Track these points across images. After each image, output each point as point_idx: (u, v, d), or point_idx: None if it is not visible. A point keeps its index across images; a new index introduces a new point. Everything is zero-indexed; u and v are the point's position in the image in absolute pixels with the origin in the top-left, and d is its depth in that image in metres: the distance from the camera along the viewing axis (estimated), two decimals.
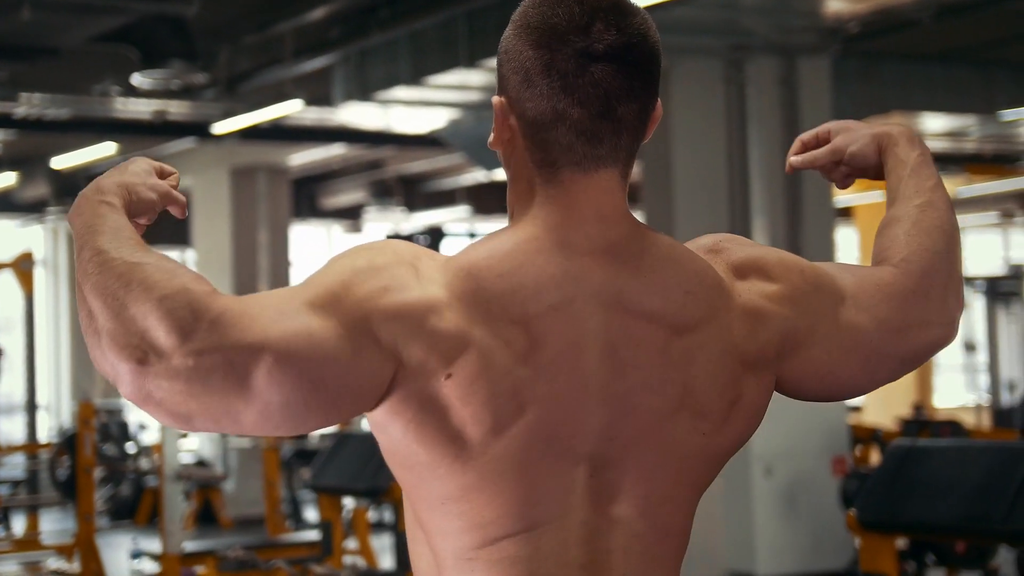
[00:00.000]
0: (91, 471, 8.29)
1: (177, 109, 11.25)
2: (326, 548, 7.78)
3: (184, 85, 9.71)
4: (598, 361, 1.48)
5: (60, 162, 13.22)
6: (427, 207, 16.75)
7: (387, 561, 9.10)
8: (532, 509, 1.47)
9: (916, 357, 1.66)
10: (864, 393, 1.68)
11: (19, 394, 11.96)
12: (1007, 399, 14.43)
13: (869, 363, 1.62)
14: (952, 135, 13.07)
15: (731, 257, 1.59)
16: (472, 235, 15.06)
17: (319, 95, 10.34)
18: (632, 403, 1.49)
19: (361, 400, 1.44)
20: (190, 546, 8.33)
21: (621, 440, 1.49)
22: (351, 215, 17.20)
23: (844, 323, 1.60)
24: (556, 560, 1.48)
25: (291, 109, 10.42)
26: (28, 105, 11.01)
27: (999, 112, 11.27)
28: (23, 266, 9.83)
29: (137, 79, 9.15)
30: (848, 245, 16.47)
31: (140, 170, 1.63)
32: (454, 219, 16.98)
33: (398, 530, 7.47)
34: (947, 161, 13.72)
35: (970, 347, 16.68)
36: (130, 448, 12.89)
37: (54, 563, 9.08)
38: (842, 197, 14.00)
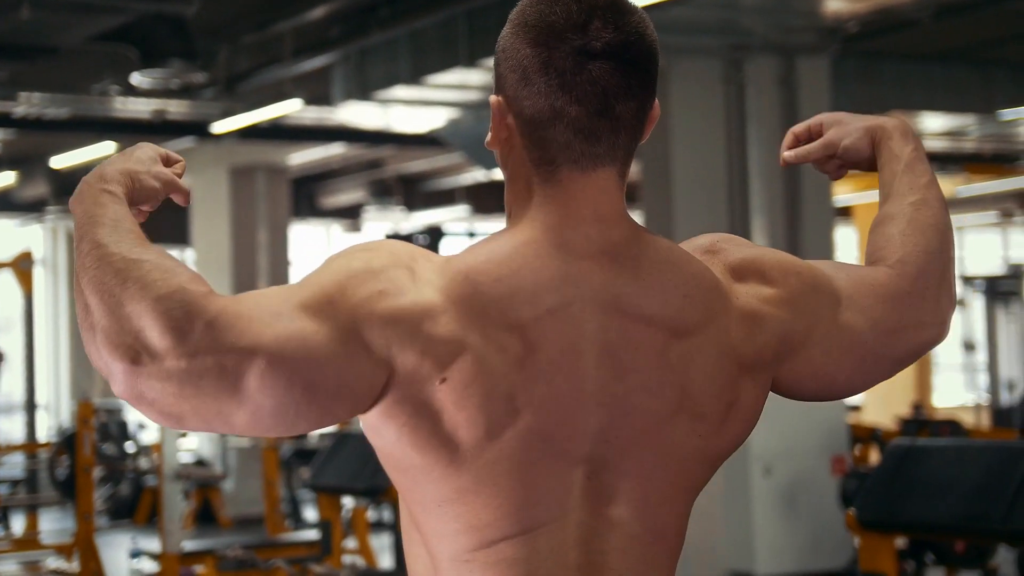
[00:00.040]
0: (90, 470, 8.28)
1: (176, 108, 11.25)
2: (325, 547, 7.78)
3: (183, 84, 9.72)
4: (596, 364, 1.48)
5: (59, 161, 13.21)
6: (426, 206, 16.75)
7: (386, 560, 9.10)
8: (529, 511, 1.47)
9: (909, 357, 1.67)
10: (859, 392, 1.68)
11: (18, 393, 11.96)
12: (1006, 398, 14.43)
13: (864, 364, 1.63)
14: (951, 135, 13.08)
15: (728, 258, 1.59)
16: (471, 234, 15.06)
17: (318, 94, 10.34)
18: (630, 405, 1.49)
19: (353, 404, 1.44)
20: (189, 545, 8.33)
21: (619, 442, 1.49)
22: (350, 214, 17.20)
23: (840, 325, 1.60)
24: (554, 561, 1.47)
25: (290, 108, 10.42)
26: (27, 104, 11.01)
27: (998, 112, 11.27)
28: (22, 265, 9.83)
29: (136, 78, 9.15)
30: (847, 244, 16.47)
31: (146, 157, 1.62)
32: (453, 218, 16.98)
33: (397, 529, 7.48)
34: (946, 161, 13.72)
35: (969, 346, 16.69)
36: (129, 447, 12.89)
37: (53, 562, 9.08)
38: (841, 197, 14.01)
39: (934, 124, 12.36)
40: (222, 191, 14.14)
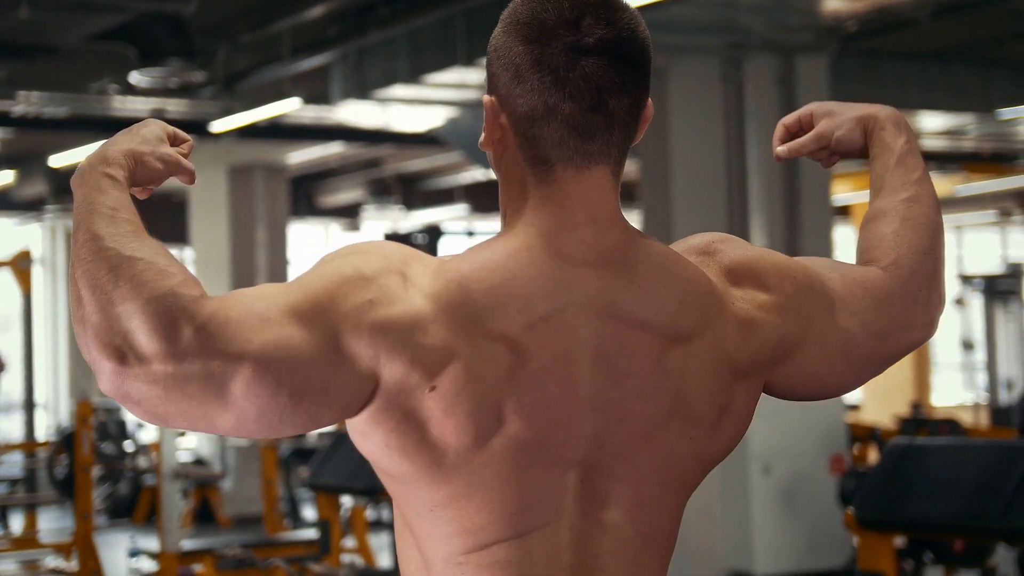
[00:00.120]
0: (89, 469, 8.28)
1: (175, 107, 11.25)
2: (324, 547, 7.78)
3: (182, 83, 9.71)
4: (590, 369, 1.48)
5: (58, 160, 13.21)
6: (425, 205, 16.75)
7: (385, 560, 9.10)
8: (523, 515, 1.46)
9: (898, 356, 1.68)
10: (850, 391, 1.70)
11: (17, 392, 11.95)
12: (1005, 398, 14.43)
13: (855, 364, 1.63)
14: (950, 134, 13.08)
15: (724, 260, 1.59)
16: (470, 233, 15.07)
17: (317, 93, 10.34)
18: (625, 410, 1.49)
19: (340, 411, 1.44)
20: (188, 544, 8.33)
21: (613, 447, 1.49)
22: (349, 214, 17.20)
23: (833, 328, 1.61)
24: (547, 564, 1.47)
25: (289, 107, 10.41)
26: (26, 103, 11.00)
27: (997, 111, 11.27)
28: (21, 264, 9.82)
29: (135, 77, 9.15)
30: (846, 243, 16.47)
31: (152, 136, 1.61)
32: (452, 217, 16.99)
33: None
34: (945, 160, 13.73)
35: (968, 346, 16.69)
36: (128, 446, 12.88)
37: (52, 561, 9.08)
38: (840, 196, 14.01)
39: (933, 123, 12.36)
40: (221, 190, 14.14)
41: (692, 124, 9.18)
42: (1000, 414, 13.58)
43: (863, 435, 10.23)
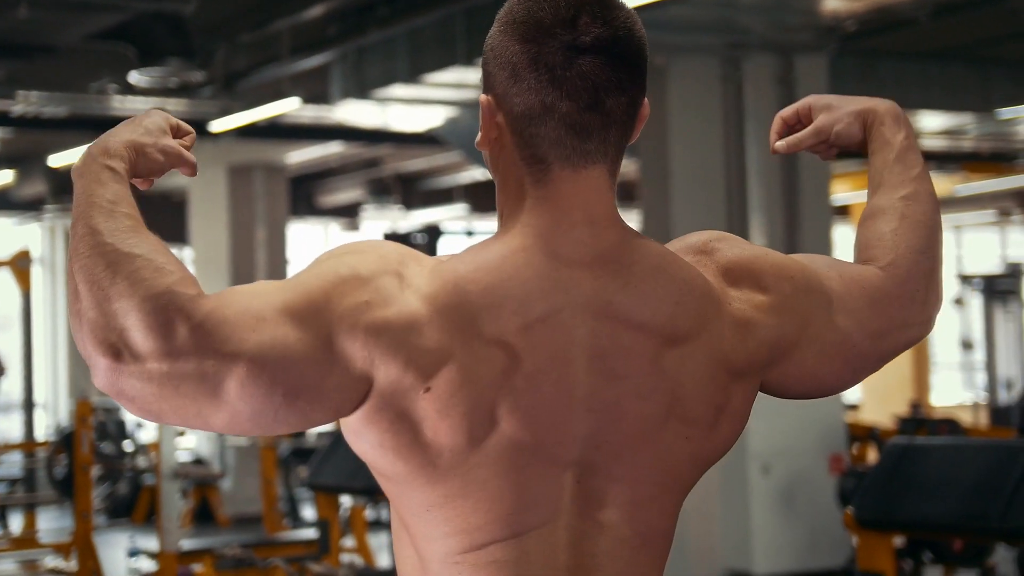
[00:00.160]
0: (88, 469, 8.28)
1: (174, 107, 11.23)
2: (323, 546, 7.77)
3: (181, 83, 9.71)
4: (586, 370, 1.48)
5: (57, 160, 13.21)
6: (425, 205, 16.75)
7: (384, 559, 9.10)
8: (519, 515, 1.47)
9: (895, 354, 1.68)
10: (846, 389, 1.69)
11: (16, 392, 11.95)
12: (1004, 397, 14.44)
13: (852, 363, 1.64)
14: (949, 133, 13.08)
15: (722, 259, 1.58)
16: (470, 233, 15.06)
17: (316, 93, 10.34)
18: (621, 410, 1.49)
19: (334, 411, 1.44)
20: (187, 544, 8.33)
21: (609, 447, 1.49)
22: (349, 213, 17.20)
23: (831, 328, 1.61)
24: (543, 564, 1.47)
25: (288, 107, 10.41)
26: (25, 103, 11.00)
27: (996, 110, 11.28)
28: (20, 264, 9.82)
29: (134, 77, 9.15)
30: (846, 243, 16.47)
31: (155, 128, 1.60)
32: (452, 217, 16.99)
33: None
34: (944, 159, 13.73)
35: (967, 345, 16.69)
36: (127, 446, 12.88)
37: (51, 561, 9.08)
38: (839, 195, 14.01)
39: (932, 123, 12.36)
40: (220, 190, 14.14)
41: (691, 124, 9.18)
42: (999, 414, 13.58)
43: (862, 435, 10.24)
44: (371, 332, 1.42)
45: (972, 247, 19.13)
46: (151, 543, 8.58)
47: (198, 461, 13.15)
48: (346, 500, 8.75)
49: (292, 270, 14.67)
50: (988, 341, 14.96)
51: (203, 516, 12.12)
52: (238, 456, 13.05)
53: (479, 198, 16.17)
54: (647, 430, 1.50)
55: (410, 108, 10.56)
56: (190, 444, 13.75)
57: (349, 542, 8.70)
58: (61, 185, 14.03)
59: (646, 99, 1.55)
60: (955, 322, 16.54)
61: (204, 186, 14.14)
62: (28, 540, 9.48)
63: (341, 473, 7.36)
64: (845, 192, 14.78)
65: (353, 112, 10.92)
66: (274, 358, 1.38)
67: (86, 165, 1.51)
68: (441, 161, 14.86)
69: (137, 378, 1.38)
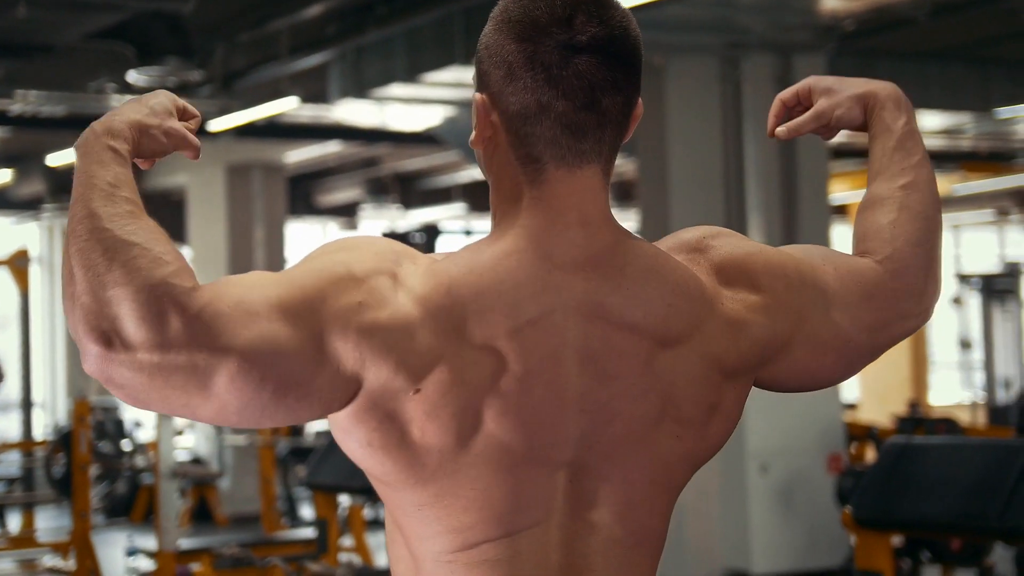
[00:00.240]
0: (87, 468, 8.28)
1: None
2: (322, 545, 7.78)
3: (180, 82, 9.70)
4: (578, 371, 1.48)
5: (56, 159, 13.21)
6: (423, 205, 16.75)
7: (383, 558, 9.10)
8: (511, 515, 1.47)
9: (891, 345, 1.68)
10: (840, 382, 1.70)
11: (15, 392, 11.95)
12: (1002, 397, 14.44)
13: (847, 358, 1.63)
14: (948, 133, 13.08)
15: (715, 257, 1.58)
16: (468, 232, 15.07)
17: (315, 92, 10.34)
18: (613, 411, 1.49)
19: (322, 408, 1.44)
20: (186, 543, 8.33)
21: (600, 447, 1.49)
22: (347, 213, 17.20)
23: (825, 323, 1.60)
24: (536, 564, 1.48)
25: (287, 106, 10.41)
26: (24, 102, 11.00)
27: (995, 110, 11.27)
28: (18, 263, 9.83)
29: (133, 76, 9.14)
30: (844, 243, 16.47)
31: (161, 108, 1.58)
32: (450, 216, 16.99)
33: None
34: (943, 159, 13.73)
35: (966, 345, 16.69)
36: (126, 445, 12.88)
37: (50, 561, 9.08)
38: (838, 195, 14.01)
39: (931, 122, 12.36)
40: (218, 189, 14.13)
41: (690, 123, 9.18)
42: (997, 413, 13.58)
43: (861, 434, 10.24)
44: (363, 333, 1.42)
45: (970, 246, 19.14)
46: (149, 542, 8.58)
47: (196, 460, 13.15)
48: (344, 499, 8.75)
49: None
50: (986, 340, 14.96)
51: (201, 515, 12.12)
52: (236, 455, 13.05)
53: (477, 197, 16.17)
54: (639, 431, 1.50)
55: (408, 107, 10.56)
56: (188, 443, 13.75)
57: (347, 541, 8.70)
58: (59, 184, 14.02)
59: (640, 98, 1.55)
60: (953, 321, 16.55)
61: (202, 185, 14.14)
62: (26, 539, 9.48)
63: (339, 472, 7.36)
64: (843, 192, 14.78)
65: (351, 111, 10.92)
66: (265, 354, 1.39)
67: (89, 143, 1.50)
68: (439, 160, 14.86)
69: (127, 367, 1.38)
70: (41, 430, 14.39)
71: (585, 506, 1.49)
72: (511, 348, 1.45)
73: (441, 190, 16.64)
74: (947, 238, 17.82)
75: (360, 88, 9.63)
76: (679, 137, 9.13)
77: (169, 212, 14.86)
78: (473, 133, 1.55)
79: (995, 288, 15.21)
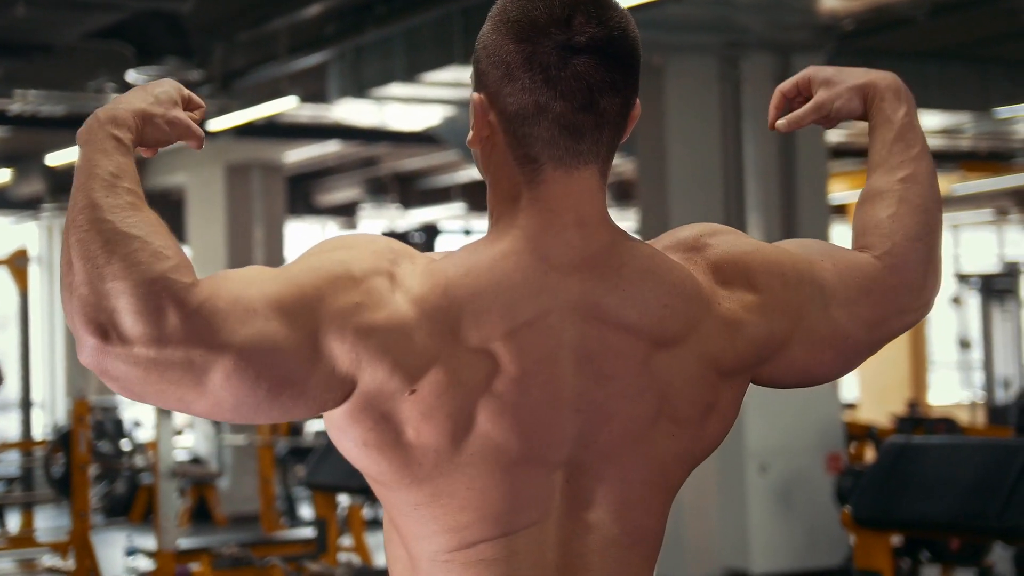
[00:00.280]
0: (86, 468, 8.28)
1: None
2: (321, 545, 7.78)
3: (179, 82, 9.70)
4: (574, 371, 1.48)
5: (55, 159, 13.21)
6: (422, 204, 16.75)
7: (382, 558, 9.10)
8: (508, 514, 1.47)
9: (889, 340, 1.67)
10: (839, 377, 1.68)
11: (14, 391, 11.95)
12: (1002, 396, 14.44)
13: (845, 354, 1.63)
14: (947, 132, 13.08)
15: (712, 256, 1.57)
16: (467, 232, 15.07)
17: (314, 92, 10.34)
18: (609, 411, 1.49)
19: (316, 407, 1.45)
20: (185, 543, 8.33)
21: (597, 447, 1.49)
22: (346, 212, 17.20)
23: (823, 320, 1.60)
24: (532, 563, 1.48)
25: (286, 106, 10.41)
26: (23, 102, 11.00)
27: (994, 109, 11.28)
28: (17, 263, 9.83)
29: (132, 76, 9.14)
30: (844, 243, 16.45)
31: (165, 98, 1.58)
32: (449, 216, 16.99)
33: None
34: (942, 159, 13.72)
35: (965, 344, 16.69)
36: (125, 445, 12.87)
37: (49, 560, 9.08)
38: (837, 195, 14.01)
39: (930, 122, 12.36)
40: (218, 189, 14.13)
41: (689, 123, 9.18)
42: (997, 413, 13.58)
43: (860, 434, 10.24)
44: (360, 334, 1.42)
45: (969, 246, 19.14)
46: (149, 542, 8.58)
47: (196, 460, 13.15)
48: (344, 499, 8.75)
49: None
50: (985, 340, 14.96)
51: (201, 515, 12.12)
52: (236, 455, 13.04)
53: (476, 197, 16.17)
54: (636, 431, 1.50)
55: (407, 107, 10.56)
56: (188, 443, 13.74)
57: (347, 541, 8.70)
58: (59, 184, 14.02)
59: (638, 99, 1.55)
60: (952, 321, 16.54)
61: (201, 185, 14.14)
62: (25, 539, 9.48)
63: (339, 472, 7.36)
64: (843, 191, 14.78)
65: (350, 111, 10.92)
66: (261, 353, 1.39)
67: (92, 132, 1.49)
68: (438, 160, 14.86)
69: (123, 360, 1.37)
70: (40, 430, 14.39)
71: (582, 506, 1.49)
72: (507, 350, 1.45)
73: (440, 190, 16.64)
74: (946, 238, 17.77)
75: (359, 88, 9.62)
76: (678, 137, 9.13)
77: (168, 211, 14.85)
78: (471, 133, 1.55)
79: (994, 288, 15.22)
